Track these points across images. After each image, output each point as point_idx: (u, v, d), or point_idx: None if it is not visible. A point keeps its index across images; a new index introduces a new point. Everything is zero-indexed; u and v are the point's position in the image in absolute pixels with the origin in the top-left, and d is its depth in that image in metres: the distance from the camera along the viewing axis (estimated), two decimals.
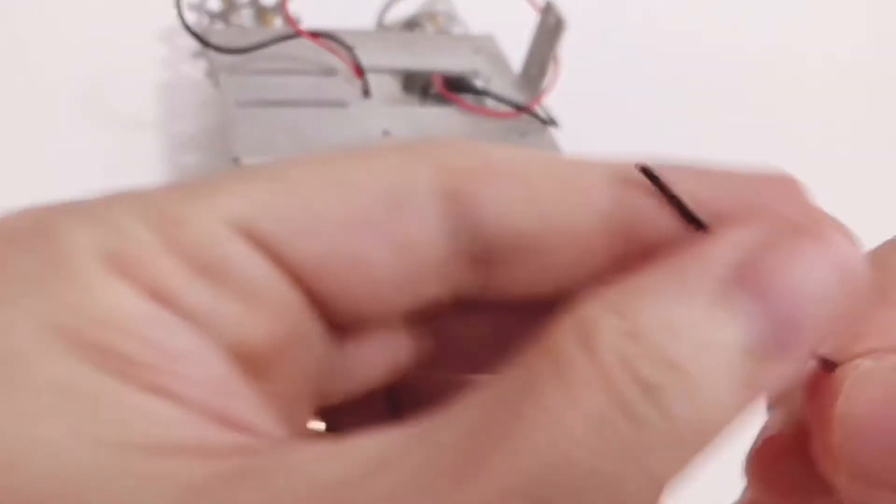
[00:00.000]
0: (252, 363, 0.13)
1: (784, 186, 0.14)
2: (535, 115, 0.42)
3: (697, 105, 0.57)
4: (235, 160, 0.37)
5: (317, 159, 0.14)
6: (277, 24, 0.48)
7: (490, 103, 0.43)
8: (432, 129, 0.41)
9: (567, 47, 0.43)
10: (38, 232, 0.12)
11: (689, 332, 0.11)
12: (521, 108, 0.42)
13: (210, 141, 0.45)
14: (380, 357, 0.15)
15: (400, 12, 0.50)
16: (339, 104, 0.41)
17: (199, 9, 0.47)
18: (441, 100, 0.43)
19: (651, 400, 0.11)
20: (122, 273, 0.11)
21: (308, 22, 0.45)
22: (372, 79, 0.43)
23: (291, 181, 0.13)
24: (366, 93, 0.42)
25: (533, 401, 0.11)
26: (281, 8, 0.46)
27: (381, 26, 0.50)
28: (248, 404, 0.12)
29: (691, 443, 0.11)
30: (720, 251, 0.12)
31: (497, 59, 0.47)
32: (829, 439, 0.13)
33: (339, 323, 0.14)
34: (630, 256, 0.13)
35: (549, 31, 0.42)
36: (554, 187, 0.14)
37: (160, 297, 0.12)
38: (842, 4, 0.68)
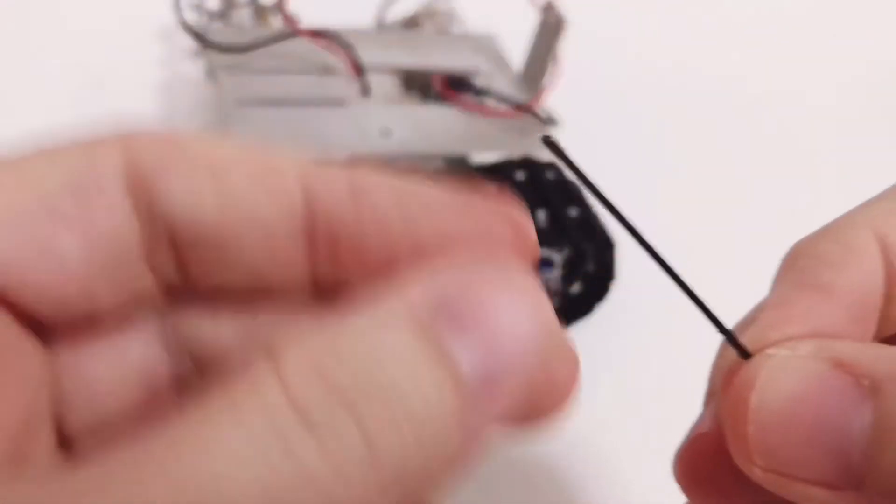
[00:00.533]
0: None
1: (495, 219, 0.14)
2: (536, 115, 0.42)
3: (697, 105, 0.57)
4: None
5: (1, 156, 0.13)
6: (276, 23, 0.47)
7: (490, 102, 0.43)
8: (432, 128, 0.41)
9: (568, 47, 0.42)
10: None
11: (393, 361, 0.10)
12: (521, 108, 0.42)
13: None
14: (121, 369, 0.14)
15: (399, 11, 0.49)
16: (339, 103, 0.41)
17: (198, 8, 0.47)
18: (441, 99, 0.43)
19: (343, 412, 0.10)
20: None
21: (307, 21, 0.45)
22: (371, 78, 0.42)
23: None
24: (365, 92, 0.42)
25: (201, 414, 0.10)
26: (280, 7, 0.46)
27: (380, 25, 0.50)
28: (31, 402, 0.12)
29: (401, 473, 0.10)
30: (423, 286, 0.11)
31: (497, 58, 0.47)
32: (744, 431, 0.13)
33: (46, 326, 0.13)
34: (333, 255, 0.14)
35: (550, 30, 0.42)
36: (244, 180, 0.13)
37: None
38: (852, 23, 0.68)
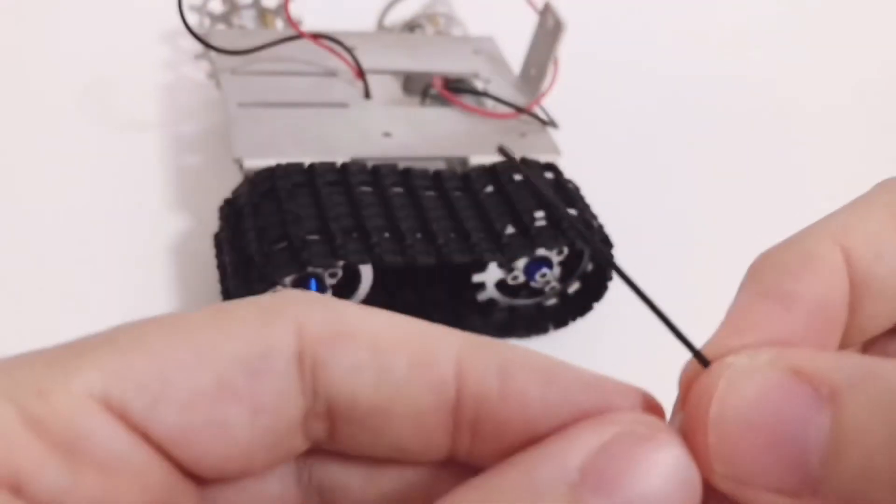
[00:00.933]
0: None
1: (630, 398, 0.14)
2: (535, 116, 0.43)
3: (696, 106, 0.57)
4: (237, 161, 0.37)
5: (177, 322, 0.14)
6: (279, 25, 0.48)
7: (490, 104, 0.44)
8: (432, 129, 0.41)
9: (566, 49, 0.43)
10: None
11: None
12: (520, 110, 0.43)
13: (212, 142, 0.46)
14: (260, 502, 0.15)
15: (400, 14, 0.50)
16: (340, 105, 0.42)
17: (201, 10, 0.47)
18: (441, 101, 0.43)
19: None
20: None
21: (309, 23, 0.45)
22: (372, 80, 0.43)
23: (150, 348, 0.13)
24: (366, 94, 0.42)
25: None
26: (282, 10, 0.46)
27: (381, 28, 0.50)
28: None
29: None
30: (568, 453, 0.12)
31: (497, 60, 0.47)
32: (703, 439, 0.13)
33: (204, 478, 0.14)
34: (474, 433, 0.14)
35: (549, 32, 0.43)
36: (403, 362, 0.14)
37: (21, 487, 0.12)
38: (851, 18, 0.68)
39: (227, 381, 0.13)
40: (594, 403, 0.14)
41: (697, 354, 0.15)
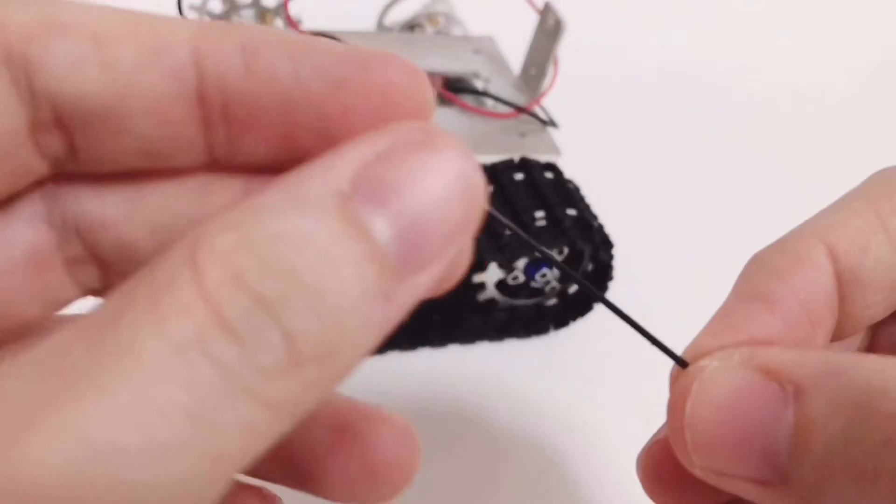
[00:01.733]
0: None
1: (397, 72, 0.13)
2: (535, 116, 0.43)
3: (696, 106, 0.57)
4: None
5: None
6: (278, 24, 0.48)
7: (490, 104, 0.44)
8: None
9: (566, 48, 0.43)
10: None
11: (311, 246, 0.10)
12: (520, 109, 0.42)
13: None
14: (7, 249, 0.14)
15: (400, 13, 0.50)
16: None
17: (201, 9, 0.47)
18: (441, 100, 0.43)
19: (264, 315, 0.10)
20: None
21: (309, 23, 0.45)
22: None
23: None
24: None
25: (112, 339, 0.10)
26: (282, 9, 0.46)
27: (381, 27, 0.50)
28: None
29: (324, 361, 0.10)
30: (339, 166, 0.11)
31: (497, 60, 0.47)
32: (682, 436, 0.14)
33: None
34: (227, 123, 0.13)
35: (549, 32, 0.43)
36: (131, 50, 0.13)
37: None
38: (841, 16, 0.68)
39: None
40: (354, 79, 0.13)
41: (676, 358, 0.16)
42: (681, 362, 0.15)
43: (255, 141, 0.13)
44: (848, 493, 0.12)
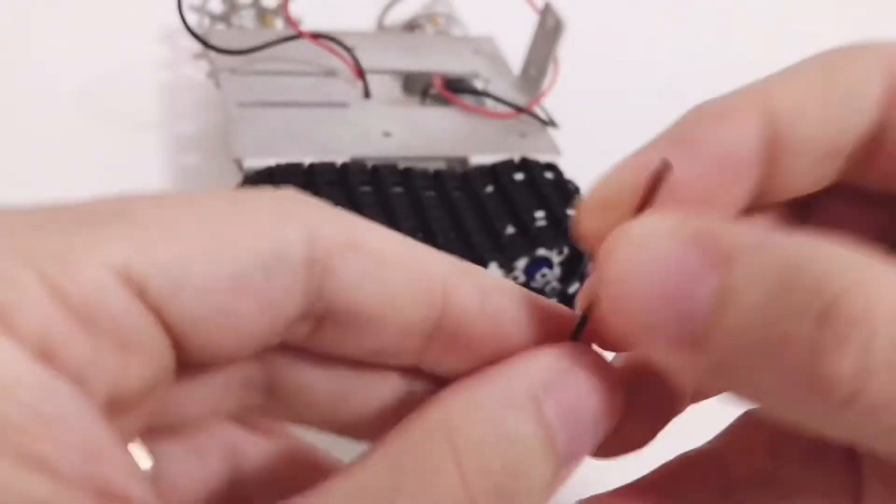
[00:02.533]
0: (120, 407, 0.13)
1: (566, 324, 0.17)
2: (535, 116, 0.43)
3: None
4: (237, 161, 0.37)
5: (195, 204, 0.14)
6: (278, 25, 0.48)
7: (490, 104, 0.44)
8: (432, 129, 0.41)
9: (566, 48, 0.43)
10: None
11: (521, 443, 0.14)
12: (520, 109, 0.42)
13: (211, 142, 0.46)
14: (214, 391, 0.16)
15: (400, 14, 0.50)
16: (340, 105, 0.41)
17: (201, 10, 0.47)
18: (441, 101, 0.43)
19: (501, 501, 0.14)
20: (5, 328, 0.11)
21: (309, 23, 0.45)
22: (372, 80, 0.43)
23: (173, 229, 0.13)
24: (366, 94, 0.42)
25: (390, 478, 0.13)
26: (282, 9, 0.46)
27: (381, 28, 0.50)
28: (121, 468, 0.12)
29: None
30: (533, 373, 0.15)
31: (497, 60, 0.47)
32: (601, 293, 0.15)
33: (192, 361, 0.14)
34: (448, 344, 0.16)
35: (549, 32, 0.43)
36: (402, 276, 0.15)
37: (43, 353, 0.12)
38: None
39: (244, 276, 0.14)
40: (543, 326, 0.16)
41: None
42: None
43: (458, 359, 0.16)
44: (759, 358, 0.13)
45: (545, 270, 0.37)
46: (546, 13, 0.43)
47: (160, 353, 0.13)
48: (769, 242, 0.13)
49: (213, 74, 0.44)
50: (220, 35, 0.45)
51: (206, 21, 0.48)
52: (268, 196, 0.15)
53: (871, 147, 0.17)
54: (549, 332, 0.16)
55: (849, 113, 0.16)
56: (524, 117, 0.42)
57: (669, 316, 0.14)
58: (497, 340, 0.16)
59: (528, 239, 0.36)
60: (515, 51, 0.46)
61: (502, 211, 0.37)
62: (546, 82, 0.44)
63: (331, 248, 0.15)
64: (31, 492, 0.11)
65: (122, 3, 0.54)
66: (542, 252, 0.36)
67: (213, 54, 0.43)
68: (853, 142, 0.17)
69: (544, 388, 0.15)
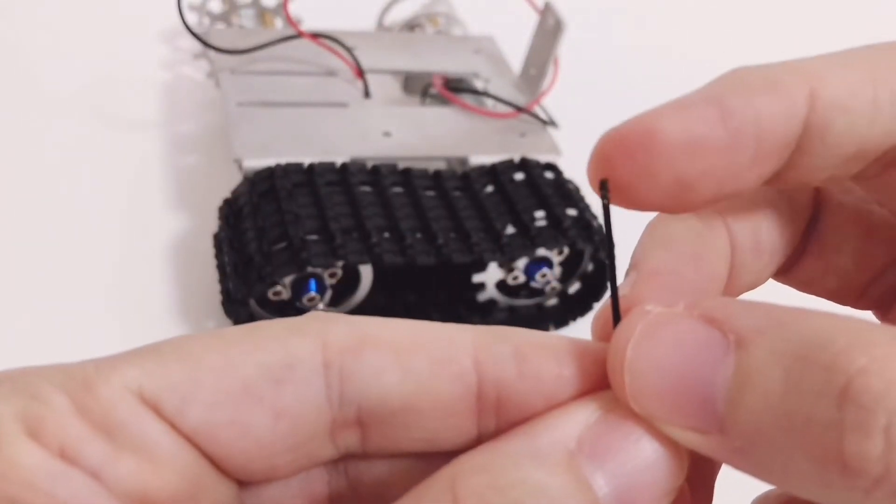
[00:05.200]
0: None
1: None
2: (535, 116, 0.43)
3: None
4: (237, 161, 0.37)
5: (215, 334, 0.15)
6: (278, 25, 0.48)
7: (490, 104, 0.44)
8: (432, 129, 0.41)
9: (566, 48, 0.43)
10: None
11: (545, 495, 0.13)
12: (520, 109, 0.42)
13: (211, 141, 0.45)
14: (289, 489, 0.17)
15: (400, 14, 0.50)
16: (340, 105, 0.41)
17: (200, 10, 0.47)
18: (441, 100, 0.43)
19: None
20: (35, 436, 0.13)
21: (309, 23, 0.45)
22: (372, 79, 0.43)
23: (186, 355, 0.15)
24: (366, 94, 0.42)
25: None
26: (282, 9, 0.46)
27: (381, 27, 0.50)
28: None
29: None
30: (567, 425, 0.14)
31: (497, 59, 0.47)
32: (621, 379, 0.15)
33: (235, 476, 0.15)
34: (498, 414, 0.16)
35: (549, 32, 0.43)
36: (425, 361, 0.15)
37: (67, 455, 0.14)
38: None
39: (252, 387, 0.15)
40: (587, 377, 0.16)
41: (615, 306, 0.17)
42: (618, 314, 0.16)
43: (514, 420, 0.16)
44: (781, 441, 0.13)
45: (545, 270, 0.37)
46: (546, 13, 0.43)
47: (188, 463, 0.15)
48: (783, 321, 0.13)
49: (213, 74, 0.44)
50: (220, 35, 0.45)
51: (206, 21, 0.48)
52: (284, 319, 0.16)
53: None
54: (599, 380, 0.16)
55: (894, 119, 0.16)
56: (524, 117, 0.42)
57: (686, 403, 0.14)
58: (542, 400, 0.15)
59: (528, 239, 0.36)
60: (515, 51, 0.46)
61: (502, 211, 0.37)
62: (546, 82, 0.43)
63: (343, 349, 0.15)
64: None
65: (123, 4, 0.54)
66: (541, 252, 0.36)
67: (212, 54, 0.43)
68: (886, 147, 0.16)
69: (578, 440, 0.14)
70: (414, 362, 0.15)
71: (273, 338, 0.15)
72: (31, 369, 0.14)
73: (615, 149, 0.16)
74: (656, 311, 0.15)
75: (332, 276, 0.34)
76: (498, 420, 0.16)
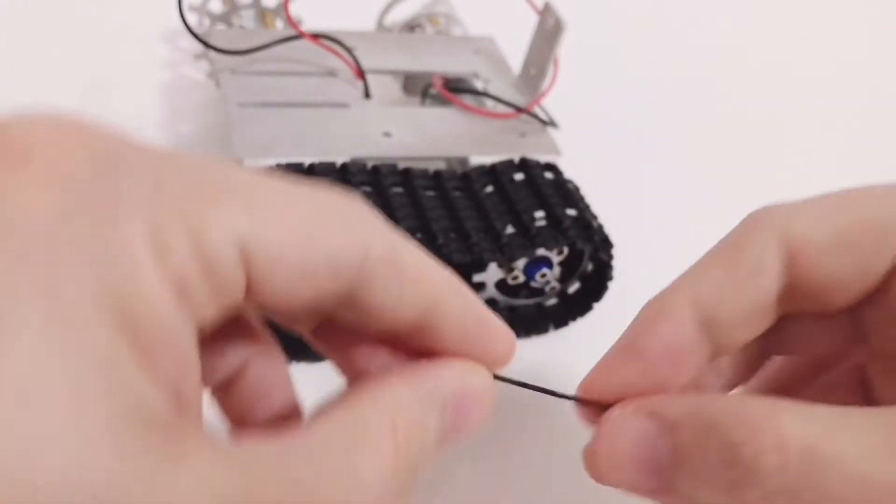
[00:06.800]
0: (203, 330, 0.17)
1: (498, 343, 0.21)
2: (535, 116, 0.43)
3: (696, 105, 0.57)
4: (237, 160, 0.37)
5: (302, 197, 0.18)
6: (279, 25, 0.48)
7: (490, 104, 0.44)
8: (432, 129, 0.41)
9: (566, 49, 0.43)
10: (99, 216, 0.15)
11: (428, 429, 0.19)
12: (520, 109, 0.43)
13: (212, 142, 0.46)
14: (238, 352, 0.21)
15: (400, 14, 0.50)
16: (340, 105, 0.42)
17: (201, 10, 0.47)
18: (441, 101, 0.43)
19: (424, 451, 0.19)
20: (161, 260, 0.15)
21: (309, 23, 0.45)
22: (372, 80, 0.43)
23: (283, 215, 0.17)
24: (366, 94, 0.42)
25: (346, 452, 0.17)
26: (282, 9, 0.46)
27: (381, 28, 0.50)
28: (192, 384, 0.16)
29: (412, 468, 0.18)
30: (444, 380, 0.20)
31: (497, 60, 0.47)
32: (598, 463, 0.21)
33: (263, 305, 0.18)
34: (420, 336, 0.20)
35: (548, 32, 0.43)
36: (414, 289, 0.19)
37: (181, 291, 0.15)
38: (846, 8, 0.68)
39: (324, 266, 0.17)
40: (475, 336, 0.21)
41: (580, 400, 0.23)
42: (592, 408, 0.22)
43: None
44: (710, 493, 0.19)
45: (545, 270, 0.37)
46: (546, 13, 0.43)
47: (238, 294, 0.17)
48: (698, 408, 0.19)
49: (214, 74, 0.44)
50: (221, 35, 0.45)
51: (207, 21, 0.48)
52: (347, 202, 0.18)
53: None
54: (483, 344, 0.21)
55: (755, 290, 0.21)
56: (524, 117, 0.42)
57: (644, 474, 0.20)
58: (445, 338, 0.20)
59: (528, 239, 0.36)
60: (515, 51, 0.46)
61: (502, 211, 0.37)
62: (546, 82, 0.44)
63: (379, 258, 0.18)
64: (153, 398, 0.14)
65: (123, 4, 0.54)
66: (541, 252, 0.36)
67: (213, 54, 0.43)
68: (765, 305, 0.21)
69: (451, 392, 0.20)
70: (410, 288, 0.19)
71: (345, 223, 0.18)
72: (160, 186, 0.15)
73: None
74: (615, 413, 0.21)
75: None
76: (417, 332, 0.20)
